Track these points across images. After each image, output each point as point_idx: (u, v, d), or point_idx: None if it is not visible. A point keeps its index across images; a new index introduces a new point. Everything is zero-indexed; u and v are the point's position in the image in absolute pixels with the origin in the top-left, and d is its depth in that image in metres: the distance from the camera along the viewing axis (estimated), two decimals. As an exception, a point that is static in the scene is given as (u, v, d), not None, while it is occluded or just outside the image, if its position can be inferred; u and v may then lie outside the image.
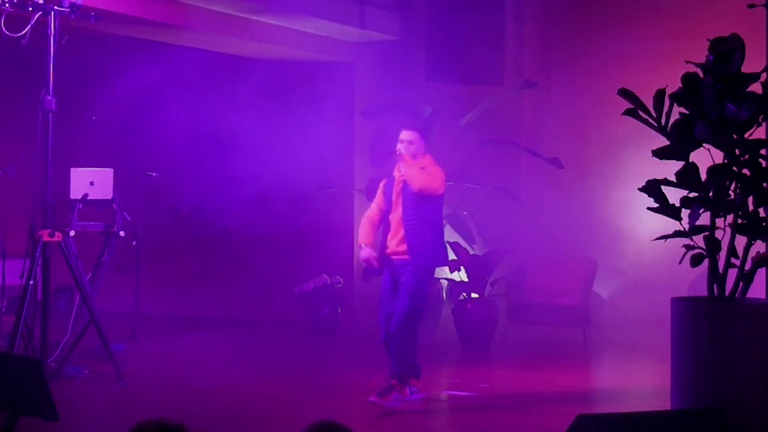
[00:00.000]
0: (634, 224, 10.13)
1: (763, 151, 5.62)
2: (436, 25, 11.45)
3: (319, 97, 10.87)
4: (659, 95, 5.54)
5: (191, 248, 11.85)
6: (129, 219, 8.41)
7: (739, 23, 6.38)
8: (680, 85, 5.50)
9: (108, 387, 7.17)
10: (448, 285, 10.07)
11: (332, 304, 10.19)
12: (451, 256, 9.13)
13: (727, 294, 5.52)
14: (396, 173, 6.97)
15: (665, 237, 5.59)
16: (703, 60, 5.49)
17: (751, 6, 5.97)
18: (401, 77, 11.36)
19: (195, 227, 11.74)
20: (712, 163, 5.48)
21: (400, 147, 6.86)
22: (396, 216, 6.87)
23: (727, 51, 5.43)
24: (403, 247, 6.79)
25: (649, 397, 7.03)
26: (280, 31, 10.31)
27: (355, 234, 10.99)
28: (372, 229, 7.03)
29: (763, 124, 5.68)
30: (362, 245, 6.99)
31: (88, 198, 8.01)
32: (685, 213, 5.54)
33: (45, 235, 7.08)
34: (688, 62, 5.51)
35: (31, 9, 6.98)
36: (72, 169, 8.11)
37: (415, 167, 6.78)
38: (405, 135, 6.92)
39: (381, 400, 6.68)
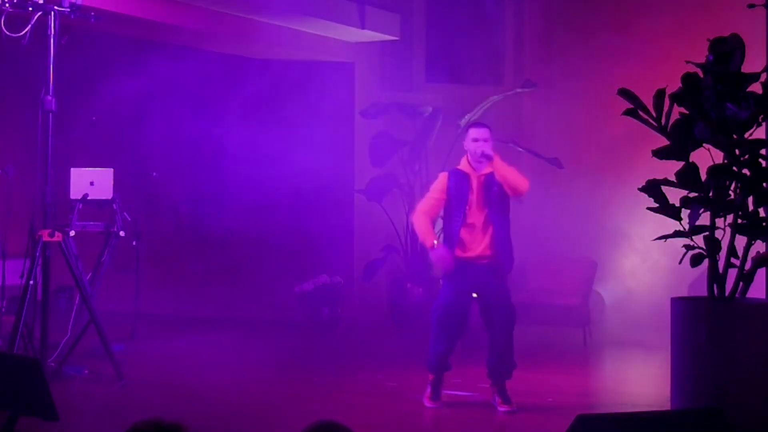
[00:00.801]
0: (634, 224, 10.12)
1: (763, 151, 5.62)
2: (436, 25, 11.45)
3: (319, 98, 10.87)
4: (659, 95, 5.54)
5: (191, 248, 11.84)
6: (129, 219, 8.41)
7: (739, 23, 6.38)
8: (680, 85, 5.50)
9: (108, 387, 7.16)
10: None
11: (332, 304, 10.18)
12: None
13: (727, 294, 5.51)
14: (466, 168, 6.67)
15: (665, 237, 5.59)
16: (703, 60, 5.49)
17: (751, 6, 5.97)
18: (401, 77, 11.36)
19: (195, 227, 11.75)
20: (712, 163, 5.48)
21: (482, 146, 6.57)
22: (479, 219, 6.61)
23: (727, 51, 5.43)
24: (490, 252, 6.63)
25: (649, 397, 7.03)
26: (280, 31, 10.31)
27: (355, 234, 11.00)
28: (433, 226, 6.72)
29: (763, 124, 5.68)
30: (432, 244, 6.60)
31: (88, 198, 8.01)
32: (685, 213, 5.54)
33: (45, 235, 7.08)
34: (688, 62, 5.51)
35: (31, 9, 6.98)
36: (72, 169, 8.11)
37: (508, 167, 6.61)
38: (482, 133, 6.62)
39: (510, 405, 6.70)
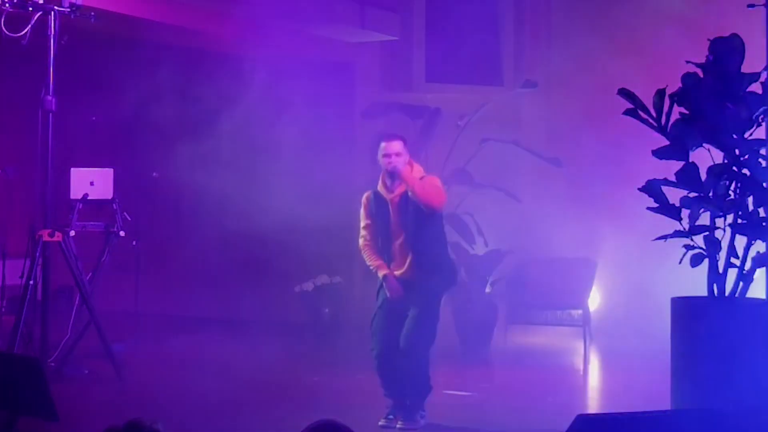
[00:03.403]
0: (634, 224, 10.11)
1: (763, 151, 5.62)
2: (436, 25, 11.44)
3: (319, 98, 10.87)
4: (659, 95, 5.53)
5: (191, 248, 11.84)
6: (129, 219, 8.41)
7: (739, 23, 6.38)
8: (680, 85, 5.49)
9: (108, 387, 7.17)
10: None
11: (332, 304, 10.18)
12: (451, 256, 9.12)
13: (727, 294, 5.51)
14: (382, 190, 6.45)
15: (665, 237, 5.58)
16: (703, 60, 5.49)
17: (751, 6, 5.97)
18: (401, 77, 11.36)
19: (195, 227, 11.74)
20: (712, 163, 5.48)
21: (391, 162, 6.31)
22: (398, 243, 6.39)
23: (727, 51, 5.43)
24: (413, 273, 6.35)
25: (649, 397, 7.03)
26: (280, 31, 10.30)
27: (355, 234, 10.99)
28: (377, 253, 6.52)
29: (763, 124, 5.68)
30: (386, 272, 6.44)
31: (88, 198, 8.01)
32: (685, 213, 5.53)
33: (45, 235, 7.08)
34: (688, 62, 5.51)
35: (31, 9, 6.99)
36: (72, 169, 8.11)
37: (420, 182, 6.28)
38: (393, 147, 6.31)
39: (409, 424, 6.31)
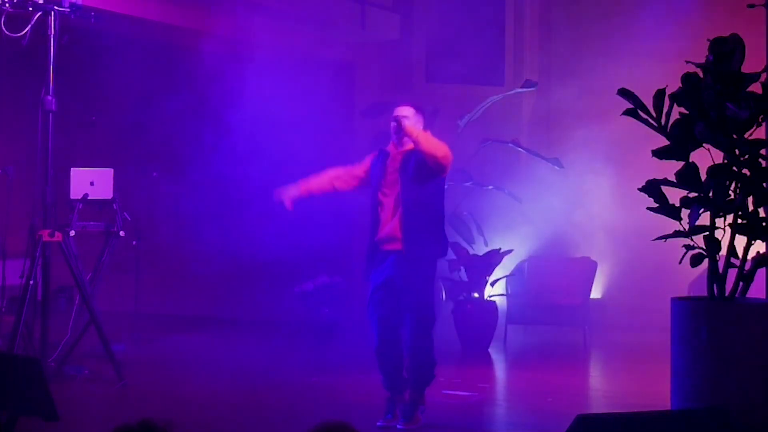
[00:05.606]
0: (634, 224, 10.13)
1: (763, 151, 5.62)
2: (436, 25, 11.45)
3: (319, 97, 10.87)
4: (659, 95, 5.53)
5: (191, 248, 11.84)
6: (129, 219, 8.41)
7: (739, 23, 6.38)
8: (680, 85, 5.49)
9: (108, 387, 7.17)
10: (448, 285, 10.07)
11: (332, 304, 10.18)
12: (451, 256, 9.12)
13: (727, 294, 5.51)
14: (390, 147, 6.33)
15: (665, 237, 5.58)
16: (703, 60, 5.48)
17: (751, 6, 5.97)
18: (401, 77, 11.36)
19: (195, 227, 11.74)
20: (712, 163, 5.48)
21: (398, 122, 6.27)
22: (392, 198, 6.20)
23: (727, 51, 5.42)
24: (399, 235, 6.13)
25: (649, 397, 7.03)
26: (280, 31, 10.31)
27: (355, 234, 10.99)
28: (323, 181, 6.53)
29: (763, 124, 5.68)
30: (296, 192, 6.52)
31: (88, 198, 8.01)
32: (685, 213, 5.53)
33: (45, 235, 7.08)
34: (688, 62, 5.51)
35: (31, 9, 6.99)
36: (72, 169, 8.11)
37: (424, 133, 6.20)
38: (401, 111, 6.27)
39: (411, 424, 6.19)
